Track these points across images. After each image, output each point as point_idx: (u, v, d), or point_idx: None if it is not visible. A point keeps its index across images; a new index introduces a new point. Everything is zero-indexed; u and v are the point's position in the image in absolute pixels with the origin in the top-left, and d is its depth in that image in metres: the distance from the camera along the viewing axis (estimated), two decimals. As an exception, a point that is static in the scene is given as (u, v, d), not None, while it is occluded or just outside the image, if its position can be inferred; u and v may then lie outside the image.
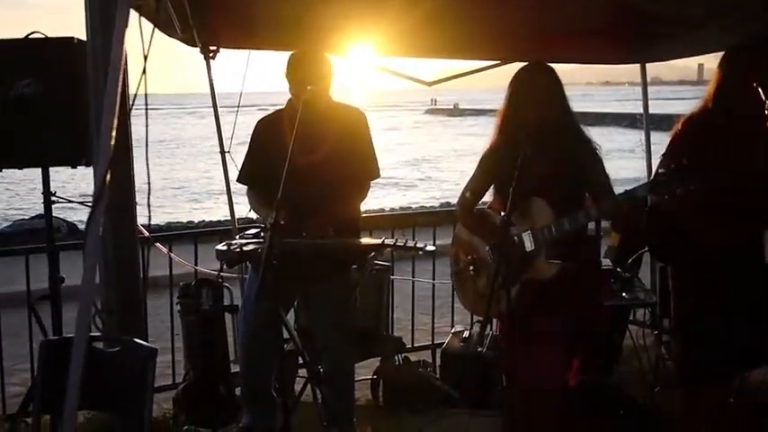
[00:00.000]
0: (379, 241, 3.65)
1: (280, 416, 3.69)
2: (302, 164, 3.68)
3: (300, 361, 4.24)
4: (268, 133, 3.90)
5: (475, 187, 3.55)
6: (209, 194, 26.33)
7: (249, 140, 4.01)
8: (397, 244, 3.56)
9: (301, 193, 3.63)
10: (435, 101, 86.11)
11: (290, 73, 3.81)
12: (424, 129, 56.14)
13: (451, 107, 78.38)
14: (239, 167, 4.08)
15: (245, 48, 4.85)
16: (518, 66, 3.50)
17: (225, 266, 3.75)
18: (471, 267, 3.42)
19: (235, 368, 4.46)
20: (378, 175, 3.99)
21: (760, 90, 3.05)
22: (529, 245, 3.26)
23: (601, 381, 4.66)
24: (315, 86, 3.65)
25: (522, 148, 3.05)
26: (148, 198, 3.02)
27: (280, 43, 4.56)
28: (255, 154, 3.95)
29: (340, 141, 3.83)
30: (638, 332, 5.21)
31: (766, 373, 4.45)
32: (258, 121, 4.03)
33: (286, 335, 3.46)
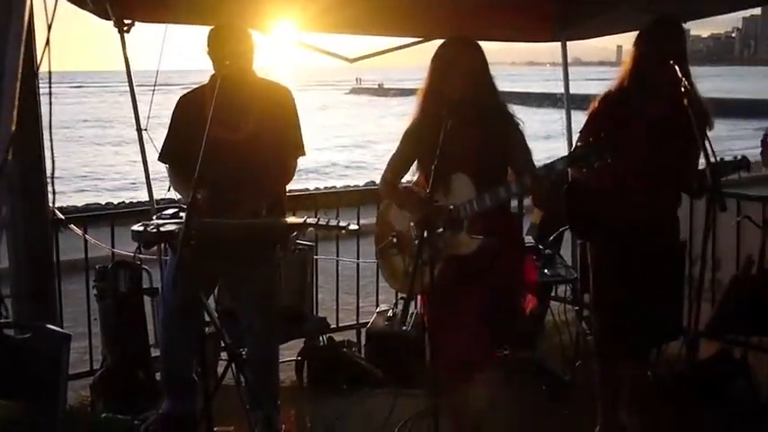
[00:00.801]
0: (301, 220, 3.58)
1: (201, 400, 3.61)
2: (225, 142, 3.61)
3: (222, 344, 4.15)
4: (189, 110, 3.78)
5: (397, 164, 3.51)
6: (131, 176, 25.67)
7: (170, 118, 3.88)
8: (320, 223, 3.51)
9: (224, 171, 3.58)
10: (360, 80, 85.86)
11: (212, 49, 3.70)
12: (349, 109, 55.85)
13: (376, 86, 78.30)
14: (160, 146, 3.95)
15: (162, 22, 4.70)
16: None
17: (142, 248, 3.64)
18: (395, 244, 3.38)
19: (155, 352, 4.36)
20: (304, 153, 3.92)
21: (676, 68, 3.08)
22: None
23: (524, 355, 4.73)
24: (236, 62, 3.57)
25: (445, 124, 3.02)
26: (52, 178, 2.89)
27: (197, 18, 4.44)
28: (176, 132, 3.83)
29: (265, 119, 3.75)
30: (559, 308, 5.29)
31: (682, 346, 4.57)
32: (180, 98, 3.91)
33: (207, 318, 3.38)
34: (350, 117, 48.40)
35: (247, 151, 3.70)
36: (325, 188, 13.33)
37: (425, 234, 2.93)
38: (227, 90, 3.58)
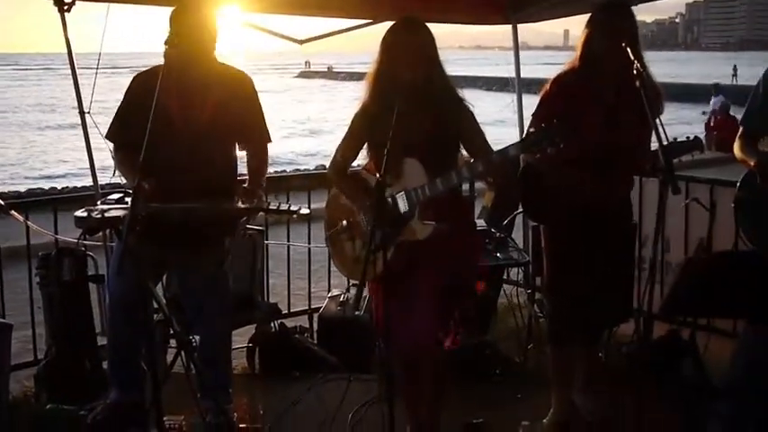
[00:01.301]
0: (252, 205, 3.50)
1: (150, 389, 3.53)
2: (181, 127, 3.55)
3: (171, 331, 4.06)
4: (144, 90, 3.64)
5: (347, 148, 3.44)
6: (75, 162, 25.10)
7: (123, 95, 3.76)
8: (271, 208, 3.44)
9: (177, 157, 3.51)
10: (309, 63, 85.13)
11: (173, 29, 3.56)
12: (298, 93, 55.31)
13: (325, 69, 77.80)
14: (108, 125, 3.81)
15: (104, 0, 4.55)
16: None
17: (87, 235, 3.53)
18: (346, 231, 3.33)
19: (101, 341, 4.25)
20: (270, 140, 3.87)
21: (628, 50, 3.07)
22: (403, 206, 3.20)
23: (477, 339, 4.73)
24: (197, 44, 3.51)
25: (396, 108, 2.97)
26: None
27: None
28: (128, 111, 3.69)
29: (224, 106, 3.66)
30: (512, 291, 5.30)
31: (636, 328, 4.62)
32: (135, 76, 3.79)
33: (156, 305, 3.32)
34: (300, 102, 47.95)
35: (204, 138, 3.61)
36: (275, 172, 13.13)
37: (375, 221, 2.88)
38: (186, 73, 3.50)
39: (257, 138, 3.84)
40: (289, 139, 29.11)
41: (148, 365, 3.65)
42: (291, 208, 3.40)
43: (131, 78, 3.79)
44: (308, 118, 36.72)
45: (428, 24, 3.33)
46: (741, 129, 3.58)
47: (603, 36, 3.48)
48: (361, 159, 3.52)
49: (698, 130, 19.52)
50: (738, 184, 3.54)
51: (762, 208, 3.40)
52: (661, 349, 4.40)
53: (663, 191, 2.67)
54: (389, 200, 3.17)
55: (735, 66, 48.42)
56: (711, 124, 19.31)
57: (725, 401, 3.68)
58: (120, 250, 2.88)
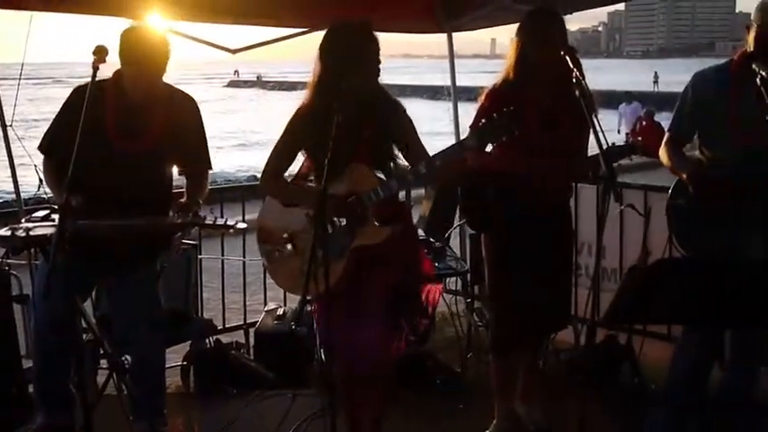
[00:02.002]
0: (186, 220, 3.38)
1: (80, 413, 3.39)
2: (120, 149, 3.45)
3: (102, 352, 3.91)
4: (83, 104, 3.49)
5: (283, 153, 3.34)
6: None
7: (60, 107, 3.61)
8: (207, 222, 3.34)
9: (113, 180, 3.40)
10: (238, 72, 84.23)
11: (123, 49, 3.44)
12: (229, 103, 54.40)
13: (254, 79, 77.15)
14: (41, 137, 3.65)
15: (23, 8, 4.36)
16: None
17: (10, 253, 3.39)
18: (289, 246, 3.23)
19: (26, 363, 4.08)
20: (211, 167, 3.79)
21: (567, 57, 3.07)
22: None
23: (417, 349, 4.69)
24: (146, 67, 3.42)
25: (338, 112, 2.90)
26: None
27: (60, 5, 4.14)
28: (64, 123, 3.51)
29: (169, 130, 3.55)
30: (450, 300, 5.28)
31: (569, 335, 4.66)
32: (75, 88, 3.63)
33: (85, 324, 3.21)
34: (230, 113, 47.19)
35: (142, 160, 3.50)
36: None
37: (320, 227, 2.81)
38: (131, 93, 3.43)
39: (198, 164, 3.74)
40: (221, 152, 28.75)
41: (78, 388, 3.52)
42: (227, 222, 3.32)
43: (71, 91, 3.64)
44: (242, 130, 36.06)
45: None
46: (668, 134, 3.63)
47: (537, 44, 3.48)
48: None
49: (620, 137, 20.04)
50: (670, 192, 3.59)
51: (694, 215, 3.45)
52: (600, 355, 4.42)
53: (605, 198, 2.67)
54: (354, 199, 3.10)
55: (656, 73, 49.86)
56: (636, 130, 19.81)
57: (664, 406, 3.73)
58: (47, 270, 2.76)
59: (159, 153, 3.56)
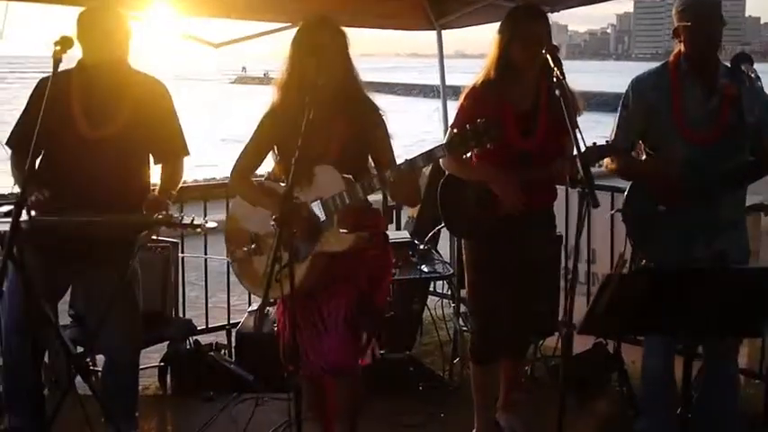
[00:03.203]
0: (151, 218, 3.28)
1: (49, 414, 3.30)
2: (88, 138, 3.34)
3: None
4: (49, 95, 3.40)
5: (253, 153, 3.25)
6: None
7: (27, 100, 3.52)
8: (174, 221, 3.24)
9: (82, 170, 3.31)
10: (245, 69, 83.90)
11: (81, 33, 3.35)
12: (233, 102, 53.96)
13: (261, 76, 76.91)
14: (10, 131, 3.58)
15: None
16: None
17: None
18: (253, 246, 3.14)
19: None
20: (187, 153, 3.67)
21: (548, 57, 2.95)
22: (320, 215, 3.02)
23: (401, 354, 4.59)
24: (108, 50, 3.34)
25: (307, 112, 2.79)
26: None
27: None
28: (30, 116, 3.42)
29: (138, 117, 3.45)
30: (437, 304, 5.18)
31: (558, 341, 4.55)
32: (40, 80, 3.54)
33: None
34: (233, 111, 46.82)
35: (112, 149, 3.40)
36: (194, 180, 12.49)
37: (284, 233, 2.70)
38: (97, 80, 3.33)
39: (172, 151, 3.64)
40: (226, 149, 28.41)
41: (49, 389, 3.43)
42: (194, 222, 3.21)
43: (36, 83, 3.54)
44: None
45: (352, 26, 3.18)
46: (618, 148, 3.48)
47: (519, 42, 3.37)
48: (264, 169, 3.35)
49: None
50: (624, 201, 3.53)
51: (649, 221, 3.39)
52: (586, 363, 4.32)
53: (583, 202, 2.56)
54: (310, 208, 2.99)
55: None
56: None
57: (642, 417, 3.65)
58: (8, 269, 2.67)
59: (129, 140, 3.45)
